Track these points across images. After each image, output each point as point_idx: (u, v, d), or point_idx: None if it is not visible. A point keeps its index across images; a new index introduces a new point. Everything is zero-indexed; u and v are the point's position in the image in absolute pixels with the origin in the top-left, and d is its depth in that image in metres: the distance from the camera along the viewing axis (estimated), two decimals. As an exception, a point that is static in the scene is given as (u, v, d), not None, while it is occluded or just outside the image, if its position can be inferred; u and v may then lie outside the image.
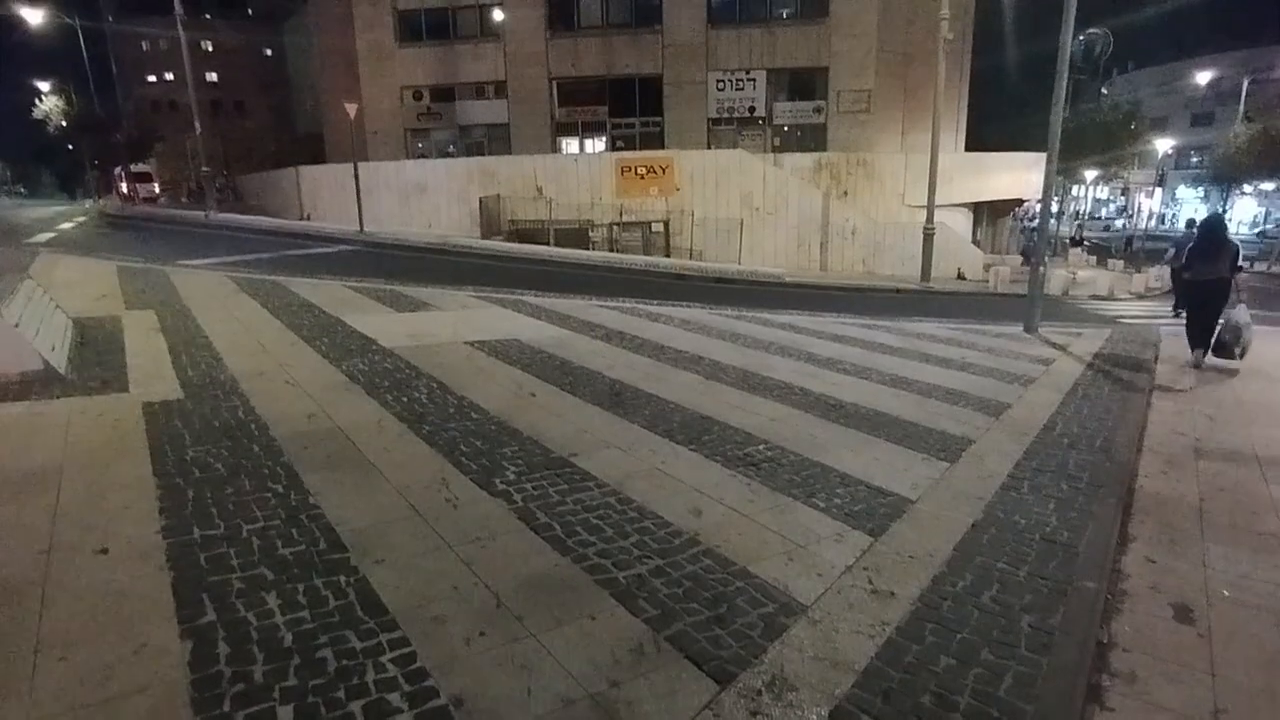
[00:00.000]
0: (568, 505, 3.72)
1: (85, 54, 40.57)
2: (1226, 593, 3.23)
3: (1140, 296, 20.86)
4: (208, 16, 62.75)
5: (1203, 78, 52.67)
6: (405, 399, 5.38)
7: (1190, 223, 18.26)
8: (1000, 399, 6.24)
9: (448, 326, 8.23)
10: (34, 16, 36.94)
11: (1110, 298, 20.44)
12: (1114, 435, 5.35)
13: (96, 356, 6.27)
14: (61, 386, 5.38)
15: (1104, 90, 45.24)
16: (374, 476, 3.97)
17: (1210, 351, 7.85)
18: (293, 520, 3.41)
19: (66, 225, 23.44)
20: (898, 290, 18.54)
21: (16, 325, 5.51)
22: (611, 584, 3.01)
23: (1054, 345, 9.19)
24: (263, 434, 4.52)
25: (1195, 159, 61.80)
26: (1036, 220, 15.24)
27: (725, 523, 3.61)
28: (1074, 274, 22.90)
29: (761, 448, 4.68)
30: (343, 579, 2.95)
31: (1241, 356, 7.74)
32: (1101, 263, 30.53)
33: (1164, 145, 47.11)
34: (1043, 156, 10.83)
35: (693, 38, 27.10)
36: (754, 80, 27.03)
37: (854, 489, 4.10)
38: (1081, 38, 10.98)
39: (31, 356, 5.54)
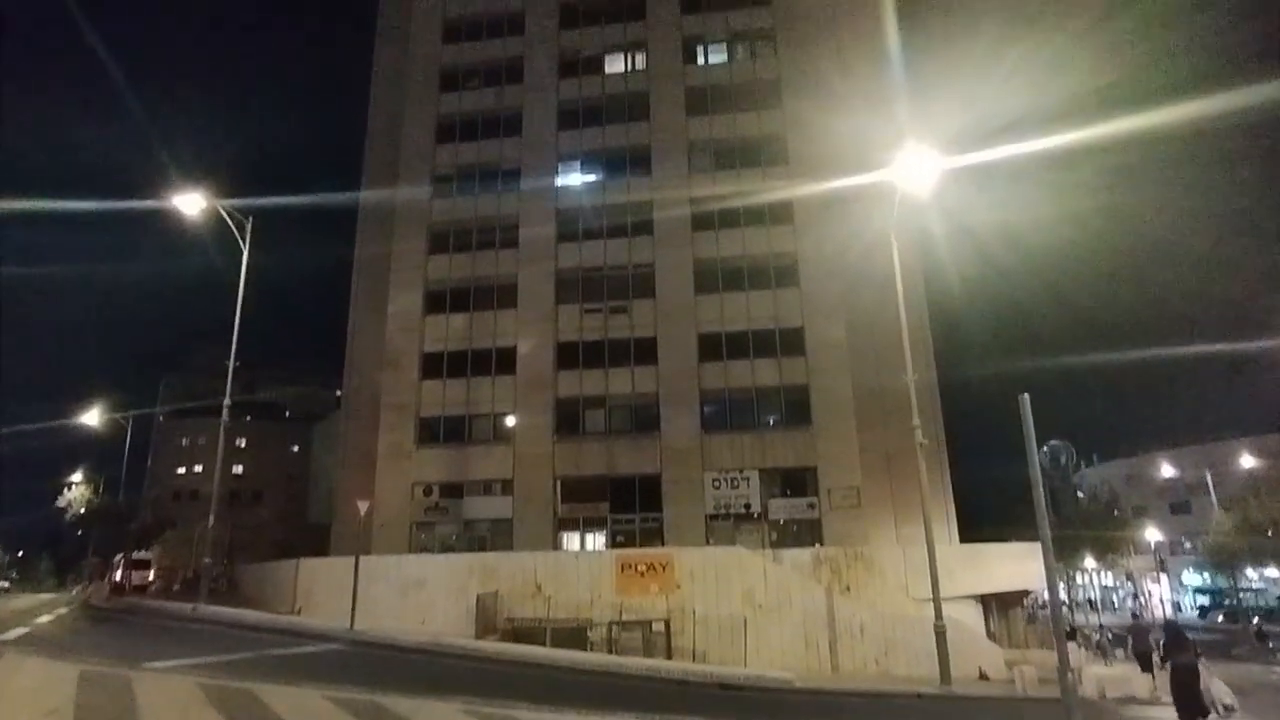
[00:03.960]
0: None
1: (127, 450, 43.85)
2: None
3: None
4: (249, 418, 69.36)
5: (1166, 471, 56.09)
6: None
7: (1135, 614, 23.97)
8: None
9: (429, 754, 7.44)
10: (92, 419, 40.96)
11: (1153, 702, 18.71)
12: None
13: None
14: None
15: (1080, 493, 48.00)
16: None
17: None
18: None
19: (45, 619, 22.60)
20: (919, 695, 17.09)
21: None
22: None
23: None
24: None
25: (1188, 545, 62.44)
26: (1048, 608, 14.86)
27: None
28: (1078, 669, 21.38)
29: None
30: None
31: (1227, 714, 11.28)
32: (1129, 656, 28.69)
33: (1153, 535, 48.05)
34: (1037, 546, 11.16)
35: (689, 442, 29.74)
36: (748, 479, 28.87)
37: None
38: (1046, 448, 12.07)
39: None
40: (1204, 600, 58.51)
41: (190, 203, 23.09)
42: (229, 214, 24.50)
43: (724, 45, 37.05)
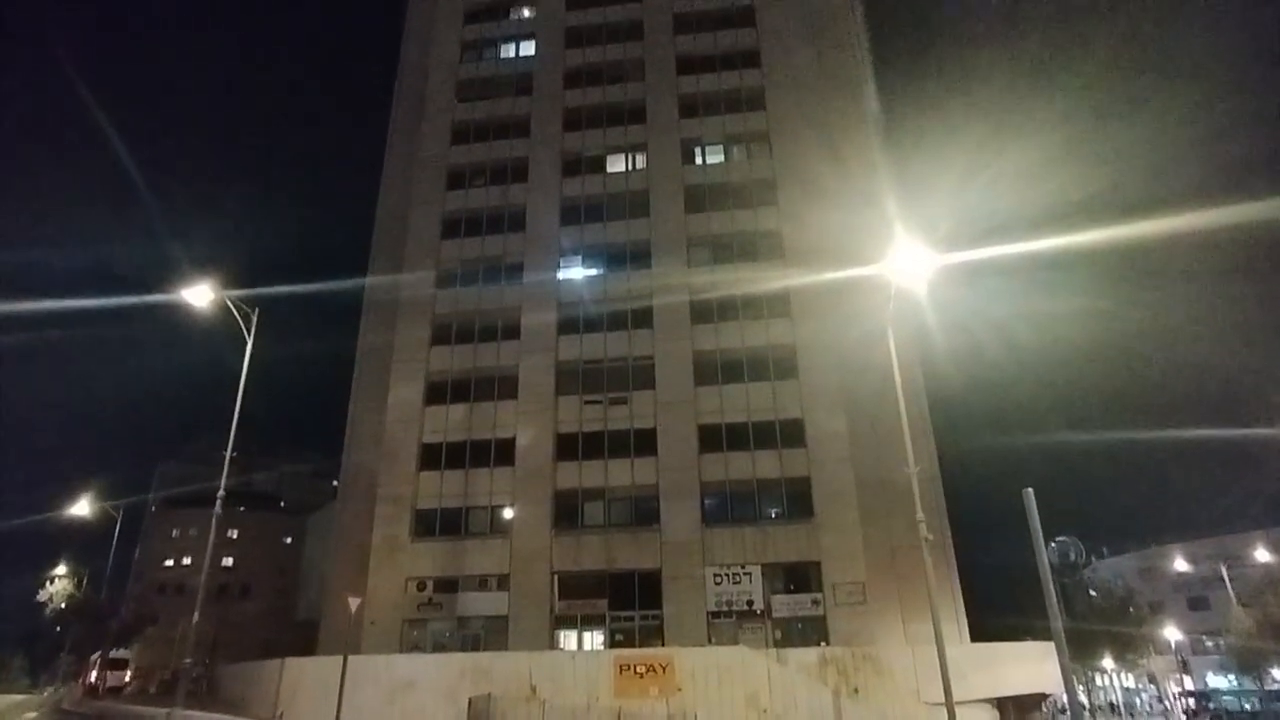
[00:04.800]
0: None
1: (115, 541, 42.69)
2: None
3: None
4: (242, 509, 68.10)
5: (1180, 564, 54.61)
6: None
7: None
8: None
9: None
10: (82, 509, 40.14)
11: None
12: None
13: None
14: None
15: (1092, 591, 46.65)
16: None
17: None
18: None
19: (13, 726, 21.52)
20: (937, 815, 16.02)
21: None
22: None
23: None
24: None
25: (1210, 643, 60.05)
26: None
27: None
28: None
29: None
30: None
31: None
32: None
33: (1173, 634, 46.46)
34: (1052, 645, 10.77)
35: (689, 535, 29.13)
36: (750, 574, 28.09)
37: None
38: (1054, 544, 11.86)
39: None
40: (1190, 703, 55.98)
41: (198, 295, 23.32)
42: (235, 305, 24.79)
43: (720, 146, 38.68)
